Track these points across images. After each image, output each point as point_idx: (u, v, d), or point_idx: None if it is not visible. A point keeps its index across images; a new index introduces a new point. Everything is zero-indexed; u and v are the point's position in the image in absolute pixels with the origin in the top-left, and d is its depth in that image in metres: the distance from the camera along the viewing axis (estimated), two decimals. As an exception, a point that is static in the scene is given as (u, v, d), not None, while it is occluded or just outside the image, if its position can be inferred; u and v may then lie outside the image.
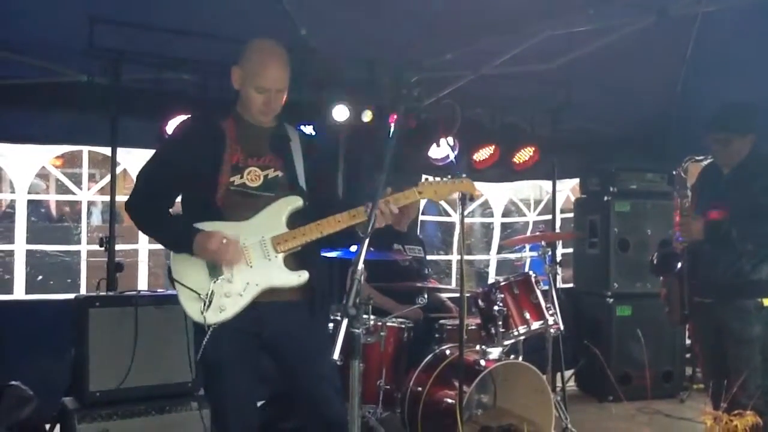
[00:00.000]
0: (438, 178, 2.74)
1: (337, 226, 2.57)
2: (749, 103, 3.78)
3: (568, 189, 7.40)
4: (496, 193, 7.31)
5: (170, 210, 2.75)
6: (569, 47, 4.12)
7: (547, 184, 7.03)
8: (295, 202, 2.64)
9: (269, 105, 2.65)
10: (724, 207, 3.57)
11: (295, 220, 2.63)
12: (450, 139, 4.68)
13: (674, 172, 3.88)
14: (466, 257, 3.66)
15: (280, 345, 2.67)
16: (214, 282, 2.51)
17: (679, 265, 3.66)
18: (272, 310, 2.60)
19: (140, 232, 5.90)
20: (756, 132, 3.63)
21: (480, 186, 6.58)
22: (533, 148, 5.37)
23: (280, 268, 2.58)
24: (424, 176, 5.24)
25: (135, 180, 2.79)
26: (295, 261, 2.62)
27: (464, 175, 2.79)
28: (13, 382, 3.70)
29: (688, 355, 5.77)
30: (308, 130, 4.35)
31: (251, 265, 2.55)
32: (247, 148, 2.65)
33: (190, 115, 3.61)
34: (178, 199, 2.76)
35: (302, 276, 2.60)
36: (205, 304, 2.49)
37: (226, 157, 2.60)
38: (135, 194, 2.71)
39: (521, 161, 5.45)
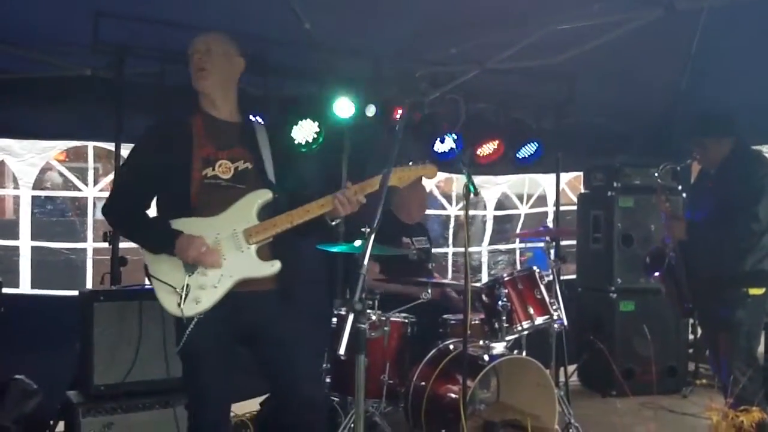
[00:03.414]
0: (401, 166, 2.83)
1: (306, 216, 2.67)
2: (723, 108, 4.13)
3: (563, 183, 7.39)
4: (491, 187, 7.30)
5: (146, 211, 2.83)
6: (574, 42, 4.11)
7: (541, 178, 7.02)
8: (265, 195, 2.72)
9: (194, 65, 2.75)
10: (707, 206, 3.85)
11: (266, 213, 2.71)
12: (454, 134, 4.68)
13: (656, 176, 4.08)
14: (459, 249, 3.68)
15: (255, 334, 2.74)
16: (189, 276, 2.59)
17: (666, 262, 3.92)
18: (247, 300, 2.67)
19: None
20: (732, 135, 3.90)
21: (475, 179, 6.59)
22: (536, 143, 5.37)
23: (253, 259, 2.66)
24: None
25: (112, 184, 2.85)
26: (268, 252, 2.71)
27: (427, 161, 2.93)
28: (17, 376, 3.71)
29: (691, 351, 5.77)
30: (312, 125, 4.34)
31: (224, 257, 2.63)
32: (216, 142, 2.73)
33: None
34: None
35: (275, 266, 2.68)
36: (181, 297, 2.57)
37: (196, 152, 2.68)
38: (111, 200, 2.83)
39: (525, 156, 5.44)
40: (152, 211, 2.86)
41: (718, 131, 3.88)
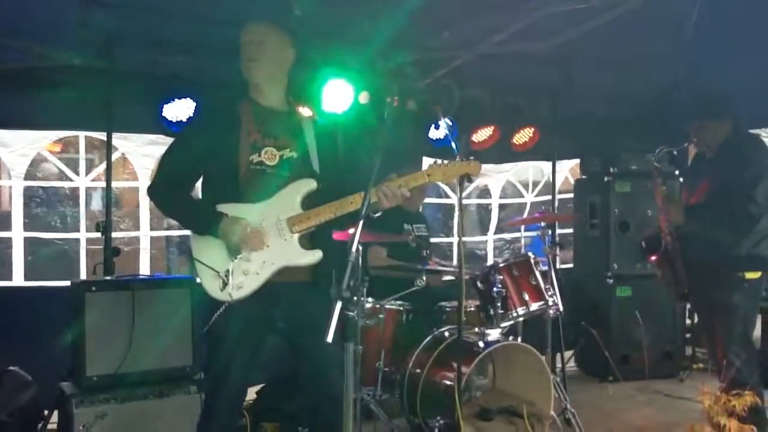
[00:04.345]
0: (446, 161, 2.84)
1: (349, 208, 2.65)
2: (723, 91, 4.05)
3: (566, 170, 7.37)
4: (495, 175, 7.28)
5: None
6: (569, 26, 4.07)
7: (546, 165, 7.00)
8: (310, 184, 2.73)
9: (246, 56, 2.75)
10: (704, 190, 3.82)
11: (309, 202, 2.72)
12: (448, 120, 4.64)
13: (653, 160, 4.06)
14: (465, 239, 3.66)
15: (291, 323, 2.77)
16: (233, 261, 2.62)
17: (663, 246, 3.87)
18: (285, 289, 2.69)
19: (141, 219, 5.93)
20: (731, 118, 3.86)
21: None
22: (533, 129, 5.33)
23: (295, 247, 2.68)
24: (425, 158, 5.33)
25: (157, 166, 2.86)
26: (308, 241, 2.73)
27: (471, 157, 2.90)
28: (11, 368, 3.70)
29: (688, 335, 5.77)
30: (305, 112, 4.32)
31: (268, 244, 2.65)
32: (262, 129, 2.75)
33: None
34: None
35: (316, 255, 2.70)
36: (224, 282, 2.60)
37: (243, 137, 2.70)
38: (157, 180, 2.85)
39: (521, 142, 5.41)
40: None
41: (716, 114, 3.85)
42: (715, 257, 3.73)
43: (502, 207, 7.84)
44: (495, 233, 7.68)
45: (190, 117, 3.97)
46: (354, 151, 4.96)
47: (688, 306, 5.53)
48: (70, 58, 3.94)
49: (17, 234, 4.94)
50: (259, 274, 2.63)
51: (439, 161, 2.84)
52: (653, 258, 3.99)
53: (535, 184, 7.78)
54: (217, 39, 3.96)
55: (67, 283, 3.82)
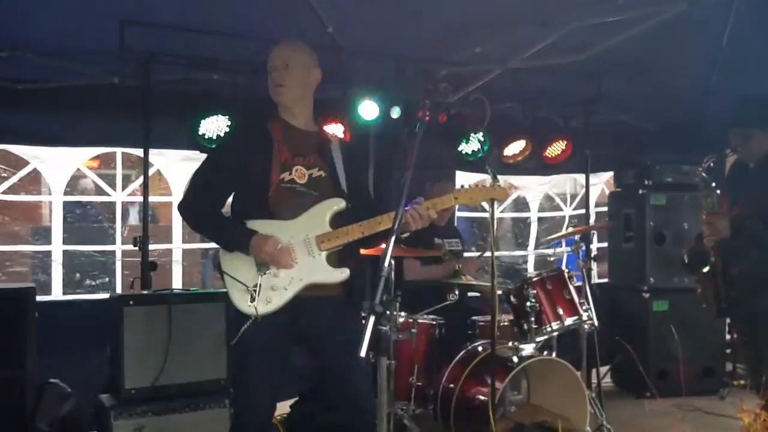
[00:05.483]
0: (473, 185, 2.90)
1: (377, 228, 2.70)
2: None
3: (602, 182, 7.27)
4: (533, 188, 7.22)
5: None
6: (600, 38, 4.05)
7: (582, 178, 6.93)
8: (339, 203, 2.78)
9: (273, 81, 2.81)
10: (750, 202, 3.67)
11: (338, 221, 2.76)
12: (480, 134, 4.65)
13: (700, 171, 3.95)
14: (501, 253, 3.65)
15: (317, 337, 2.80)
16: (262, 276, 2.66)
17: (710, 260, 3.72)
18: (312, 304, 2.73)
19: (174, 232, 6.02)
20: None
21: (516, 180, 6.54)
22: (565, 142, 5.30)
23: (323, 265, 2.72)
24: (458, 175, 5.33)
25: (188, 183, 2.91)
26: (336, 258, 2.78)
27: (498, 182, 2.97)
28: (51, 380, 3.78)
29: (728, 351, 5.64)
30: (336, 128, 4.36)
31: (296, 261, 2.70)
32: (292, 149, 2.81)
33: (237, 119, 4.00)
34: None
35: (344, 273, 2.75)
36: (252, 296, 2.64)
37: (275, 156, 2.76)
38: (188, 196, 2.92)
39: (553, 155, 5.38)
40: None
41: (764, 120, 3.70)
42: (760, 271, 3.61)
43: (540, 221, 7.76)
44: (536, 248, 7.60)
45: (225, 133, 4.05)
46: (385, 167, 5.00)
47: (728, 320, 5.40)
48: (109, 77, 4.05)
49: (57, 248, 5.04)
50: (287, 289, 2.67)
51: (466, 185, 2.89)
52: (705, 270, 3.85)
53: (573, 197, 7.70)
54: (251, 56, 4.04)
55: (106, 296, 3.90)
